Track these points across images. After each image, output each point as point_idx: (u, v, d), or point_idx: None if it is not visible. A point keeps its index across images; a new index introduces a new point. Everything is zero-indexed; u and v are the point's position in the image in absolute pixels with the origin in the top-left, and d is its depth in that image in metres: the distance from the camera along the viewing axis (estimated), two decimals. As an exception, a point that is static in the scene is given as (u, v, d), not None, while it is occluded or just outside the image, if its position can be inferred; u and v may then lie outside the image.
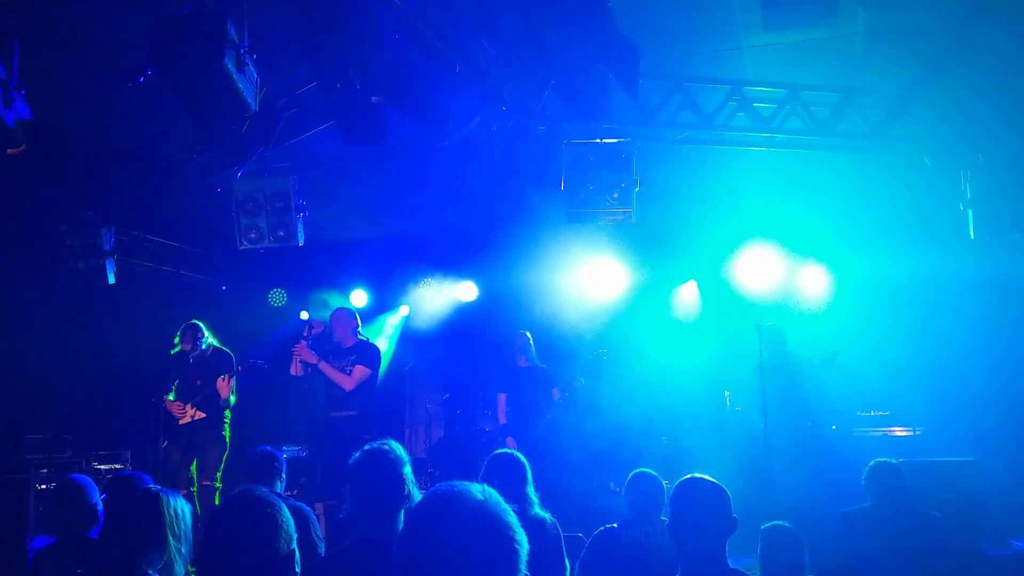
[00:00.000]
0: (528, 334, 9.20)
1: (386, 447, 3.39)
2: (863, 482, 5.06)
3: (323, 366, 7.93)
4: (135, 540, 3.07)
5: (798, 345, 8.48)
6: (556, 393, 8.99)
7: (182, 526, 3.18)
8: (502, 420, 9.22)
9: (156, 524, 3.09)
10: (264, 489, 2.64)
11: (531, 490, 5.02)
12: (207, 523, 2.47)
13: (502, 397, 9.25)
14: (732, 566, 3.14)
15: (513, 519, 1.64)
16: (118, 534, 3.18)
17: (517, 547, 1.63)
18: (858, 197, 9.05)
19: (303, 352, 7.89)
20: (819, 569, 5.91)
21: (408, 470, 3.35)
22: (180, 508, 3.24)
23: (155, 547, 3.05)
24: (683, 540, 3.13)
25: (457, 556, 1.56)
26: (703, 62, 6.66)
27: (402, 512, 3.25)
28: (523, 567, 1.62)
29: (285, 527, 2.39)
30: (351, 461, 3.36)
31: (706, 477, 3.23)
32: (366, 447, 3.43)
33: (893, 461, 5.12)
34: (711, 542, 3.07)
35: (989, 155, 6.86)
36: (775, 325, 8.23)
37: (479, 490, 1.68)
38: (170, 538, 3.09)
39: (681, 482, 3.23)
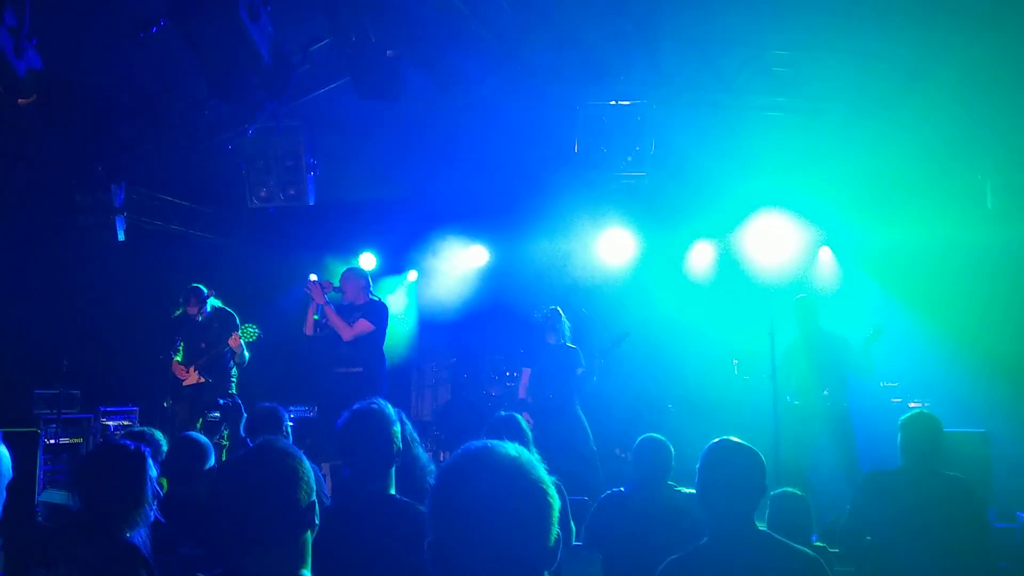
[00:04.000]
0: (560, 310, 9.01)
1: (375, 405, 3.36)
2: (898, 435, 4.95)
3: (328, 309, 7.93)
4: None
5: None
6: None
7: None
8: (522, 395, 9.13)
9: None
10: (285, 441, 2.62)
11: (533, 453, 5.02)
12: (226, 472, 2.45)
13: (526, 372, 9.16)
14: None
15: (545, 476, 1.64)
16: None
17: (551, 501, 1.62)
18: (874, 164, 8.97)
19: (314, 288, 7.87)
20: (829, 534, 5.91)
21: (397, 429, 3.32)
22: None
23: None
24: (713, 503, 3.05)
25: (491, 511, 1.55)
26: (721, 23, 6.57)
27: (392, 469, 3.26)
28: (556, 523, 1.60)
29: (306, 478, 2.38)
30: (339, 420, 3.34)
31: (739, 440, 3.15)
32: (355, 406, 3.39)
33: (928, 412, 5.00)
34: (742, 506, 3.00)
35: (1010, 123, 6.77)
36: (807, 298, 8.07)
37: (512, 447, 1.68)
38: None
39: (713, 444, 3.13)
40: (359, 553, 3.02)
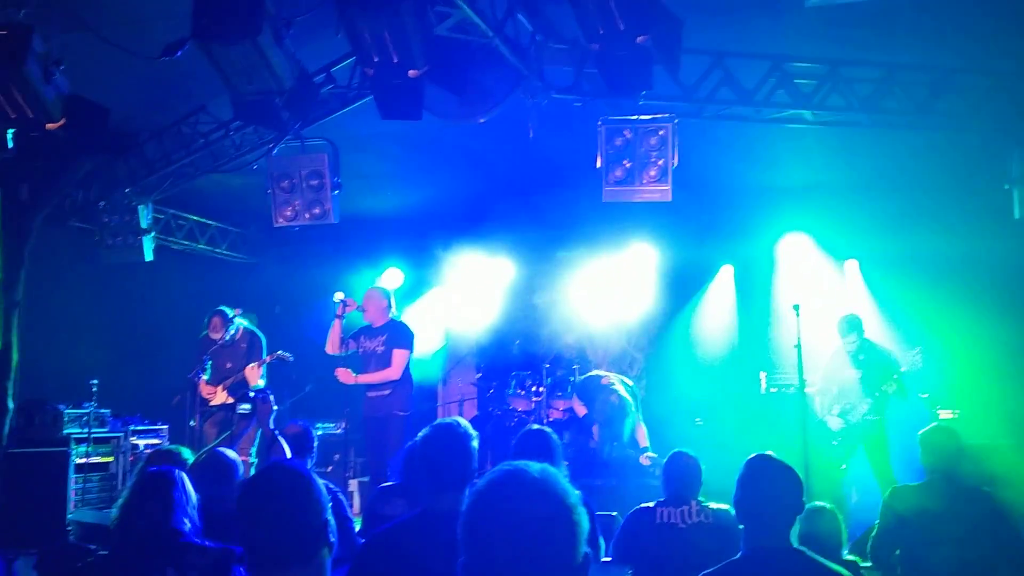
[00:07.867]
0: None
1: (455, 422, 3.42)
2: (919, 450, 4.92)
3: (363, 379, 8.02)
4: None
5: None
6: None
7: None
8: (581, 412, 9.03)
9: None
10: (296, 461, 2.64)
11: (563, 467, 5.00)
12: (239, 496, 2.47)
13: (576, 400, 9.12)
14: (797, 547, 3.07)
15: (573, 495, 1.68)
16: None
17: (577, 520, 1.66)
18: (899, 175, 8.90)
19: (341, 374, 8.00)
20: (860, 549, 5.85)
21: (476, 444, 3.37)
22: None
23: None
24: (749, 519, 3.06)
25: (519, 532, 1.60)
26: (743, 37, 6.54)
27: (467, 487, 3.28)
28: (583, 541, 1.65)
29: (314, 497, 2.39)
30: (421, 435, 3.39)
31: (776, 456, 3.15)
32: (436, 422, 3.45)
33: (948, 425, 4.97)
34: (778, 522, 3.00)
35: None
36: (852, 315, 7.96)
37: (538, 469, 1.72)
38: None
39: (751, 460, 3.15)
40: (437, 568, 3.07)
